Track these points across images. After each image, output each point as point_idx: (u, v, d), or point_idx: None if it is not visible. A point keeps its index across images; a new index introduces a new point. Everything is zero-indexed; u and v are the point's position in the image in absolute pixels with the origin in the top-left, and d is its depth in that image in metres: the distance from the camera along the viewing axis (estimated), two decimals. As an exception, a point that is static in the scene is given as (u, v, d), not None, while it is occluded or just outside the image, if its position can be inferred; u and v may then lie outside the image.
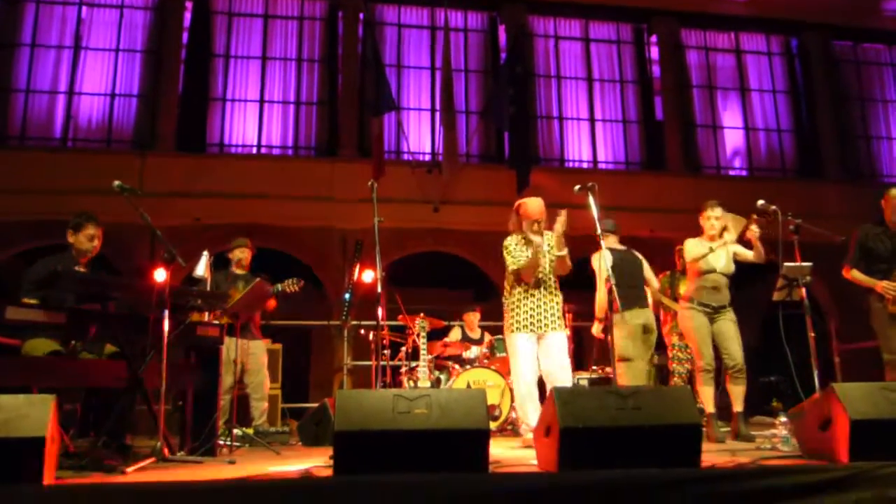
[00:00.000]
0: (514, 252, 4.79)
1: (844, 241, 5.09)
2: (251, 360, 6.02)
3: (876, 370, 5.28)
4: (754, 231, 5.02)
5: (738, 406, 5.13)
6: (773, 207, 4.96)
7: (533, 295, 4.71)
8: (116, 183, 3.90)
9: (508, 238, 4.87)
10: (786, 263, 4.88)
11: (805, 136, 13.09)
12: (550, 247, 4.80)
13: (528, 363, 4.65)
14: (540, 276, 4.75)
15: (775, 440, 4.21)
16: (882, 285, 5.07)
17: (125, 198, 3.89)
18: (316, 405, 6.10)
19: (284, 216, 10.37)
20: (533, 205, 4.85)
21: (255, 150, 11.11)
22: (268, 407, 6.16)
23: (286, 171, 10.70)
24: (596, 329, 5.60)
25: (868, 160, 13.36)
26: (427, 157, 11.41)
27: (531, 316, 4.68)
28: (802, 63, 13.38)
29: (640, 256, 5.72)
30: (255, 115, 11.22)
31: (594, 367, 7.09)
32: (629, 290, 5.50)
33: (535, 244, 4.65)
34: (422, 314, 6.74)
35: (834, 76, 13.29)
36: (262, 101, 11.27)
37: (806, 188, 12.05)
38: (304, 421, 5.87)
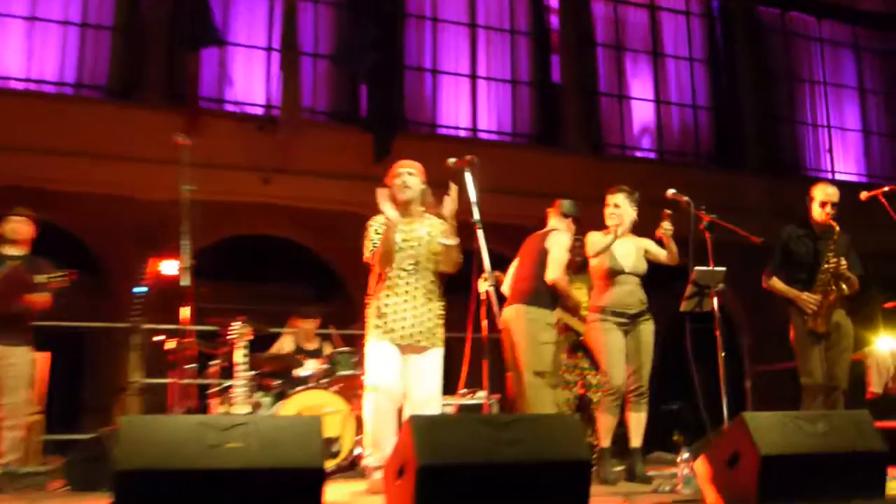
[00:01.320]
0: (373, 237, 4.74)
1: (764, 243, 5.45)
2: (9, 372, 5.68)
3: (791, 396, 5.71)
4: (666, 229, 5.25)
5: (636, 440, 5.38)
6: (686, 199, 5.23)
7: (403, 294, 4.69)
8: None
9: (373, 218, 4.82)
10: (697, 268, 5.16)
11: (724, 115, 13.95)
12: (431, 235, 4.79)
13: (389, 381, 4.63)
14: (412, 269, 4.72)
15: (675, 481, 4.44)
16: (802, 297, 5.48)
17: None
18: (91, 436, 5.83)
19: (57, 178, 9.82)
20: (401, 161, 4.81)
21: (19, 85, 10.43)
22: (24, 438, 5.81)
23: (63, 117, 10.13)
24: None
25: (792, 149, 14.44)
26: (259, 111, 11.17)
27: (397, 321, 4.65)
28: (724, 28, 14.24)
29: (555, 240, 5.71)
30: (21, 38, 10.53)
31: (464, 391, 7.19)
32: (514, 284, 5.65)
33: (389, 218, 4.59)
34: (243, 317, 6.59)
35: (758, 47, 14.24)
36: (31, 19, 10.58)
37: (722, 177, 12.84)
38: (73, 457, 5.60)
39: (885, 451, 3.72)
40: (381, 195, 4.70)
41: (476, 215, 4.46)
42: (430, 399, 4.68)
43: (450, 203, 4.58)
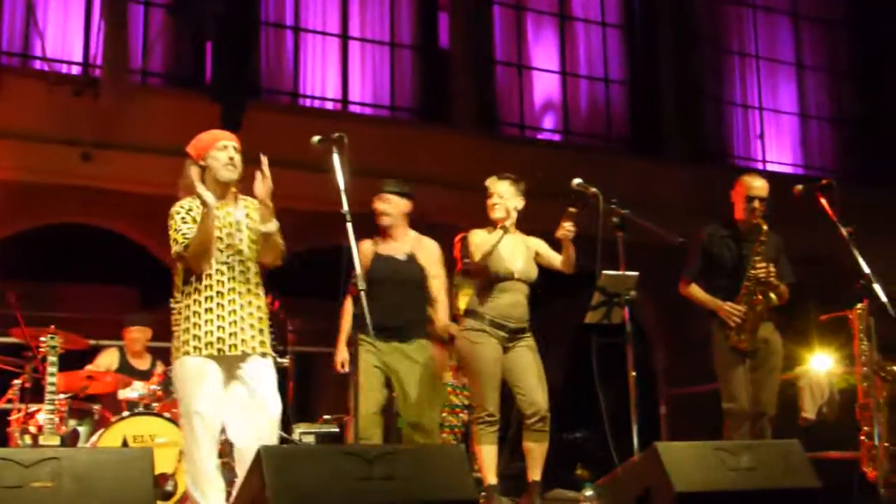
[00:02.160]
0: (181, 226, 4.66)
1: (683, 244, 5.63)
2: None
3: (711, 423, 5.93)
4: (567, 229, 5.34)
5: (534, 474, 5.46)
6: (594, 190, 5.36)
7: (223, 293, 4.63)
8: None
9: (178, 204, 4.75)
10: (604, 272, 5.29)
11: (640, 91, 14.30)
12: (251, 219, 4.76)
13: (211, 407, 4.58)
14: (231, 262, 4.67)
15: (577, 523, 4.58)
16: (725, 308, 5.69)
17: None
18: None
19: None
20: (208, 137, 4.75)
21: None
22: None
23: None
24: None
25: (718, 133, 14.92)
26: (76, 70, 10.89)
27: (218, 328, 4.59)
28: (642, -12, 14.62)
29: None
30: None
31: (327, 417, 7.20)
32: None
33: (206, 204, 4.52)
34: (52, 326, 6.43)
35: (681, 12, 14.61)
36: None
37: (637, 165, 13.17)
38: None
39: (818, 487, 3.90)
40: (194, 173, 4.63)
41: (345, 205, 4.47)
42: (270, 423, 4.63)
43: (263, 181, 4.53)
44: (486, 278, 5.51)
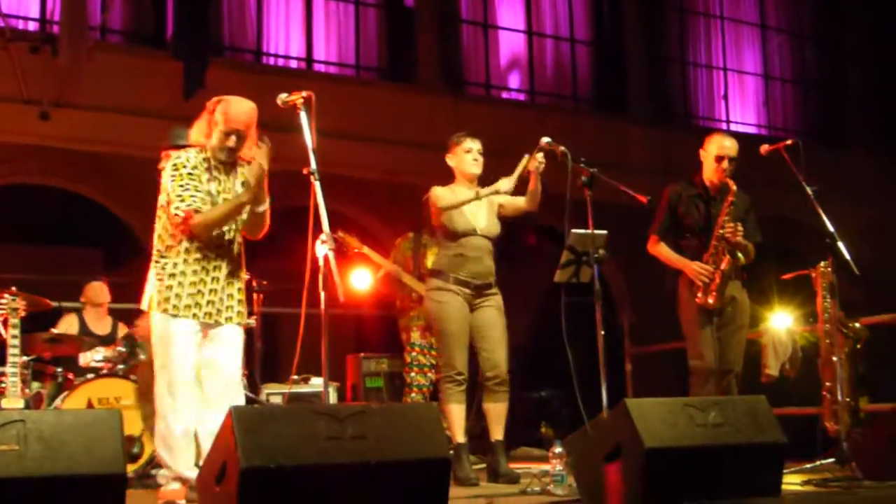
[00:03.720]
0: (187, 183, 4.58)
1: (651, 203, 5.65)
2: None
3: (677, 381, 5.99)
4: (539, 160, 5.30)
5: (497, 433, 5.54)
6: (562, 149, 5.36)
7: (213, 259, 4.62)
8: None
9: (179, 156, 4.67)
10: (573, 231, 5.31)
11: (606, 51, 14.32)
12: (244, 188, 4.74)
13: (186, 368, 4.57)
14: (223, 232, 4.66)
15: (546, 480, 4.61)
16: (692, 266, 5.73)
17: None
18: None
19: None
20: (240, 108, 4.67)
21: None
22: None
23: None
24: None
25: (682, 93, 15.00)
26: (33, 27, 10.75)
27: (199, 293, 4.58)
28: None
29: None
30: None
31: (295, 377, 7.19)
32: None
33: (254, 172, 4.48)
34: (13, 288, 6.36)
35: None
36: None
37: (603, 125, 13.24)
38: None
39: (785, 443, 3.97)
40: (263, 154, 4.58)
41: (313, 164, 4.44)
42: (234, 382, 4.70)
43: (260, 164, 4.50)
44: (448, 235, 5.54)
